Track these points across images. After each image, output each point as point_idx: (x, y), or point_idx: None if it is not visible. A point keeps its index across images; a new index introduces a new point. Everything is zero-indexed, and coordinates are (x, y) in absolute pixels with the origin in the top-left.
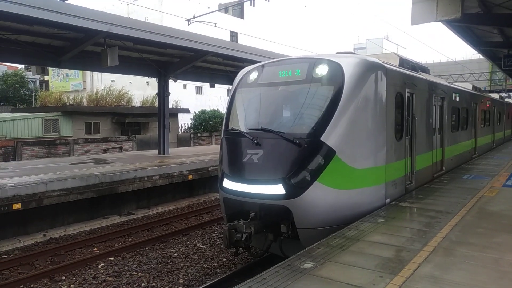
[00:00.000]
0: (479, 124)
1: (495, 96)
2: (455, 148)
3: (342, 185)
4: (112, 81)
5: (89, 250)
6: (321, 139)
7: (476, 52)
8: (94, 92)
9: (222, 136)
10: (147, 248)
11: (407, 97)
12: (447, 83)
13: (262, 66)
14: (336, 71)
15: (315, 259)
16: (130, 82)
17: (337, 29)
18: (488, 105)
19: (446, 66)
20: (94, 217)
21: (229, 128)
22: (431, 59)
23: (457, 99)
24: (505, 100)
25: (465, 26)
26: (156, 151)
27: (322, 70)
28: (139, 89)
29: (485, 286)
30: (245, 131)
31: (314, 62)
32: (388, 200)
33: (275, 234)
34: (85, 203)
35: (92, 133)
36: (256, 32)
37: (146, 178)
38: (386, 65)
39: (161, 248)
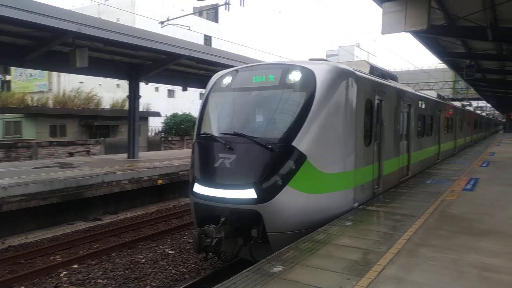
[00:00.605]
0: (443, 131)
1: (458, 104)
2: (420, 154)
3: (312, 189)
4: (80, 82)
5: (51, 258)
6: (293, 144)
7: (440, 61)
8: (61, 93)
9: (194, 140)
10: (113, 255)
11: (376, 103)
12: (414, 91)
13: (236, 71)
14: (309, 77)
15: (285, 262)
16: (100, 84)
17: (310, 35)
18: (451, 113)
19: (413, 74)
20: (58, 223)
21: (201, 132)
22: (399, 67)
23: (423, 106)
24: (467, 108)
25: (431, 37)
26: (126, 155)
27: (295, 76)
28: (109, 91)
29: (445, 286)
30: (217, 136)
31: (287, 68)
32: (356, 204)
33: (246, 238)
34: (48, 208)
35: (58, 136)
36: (230, 37)
37: (114, 183)
38: (357, 72)
39: (129, 254)
